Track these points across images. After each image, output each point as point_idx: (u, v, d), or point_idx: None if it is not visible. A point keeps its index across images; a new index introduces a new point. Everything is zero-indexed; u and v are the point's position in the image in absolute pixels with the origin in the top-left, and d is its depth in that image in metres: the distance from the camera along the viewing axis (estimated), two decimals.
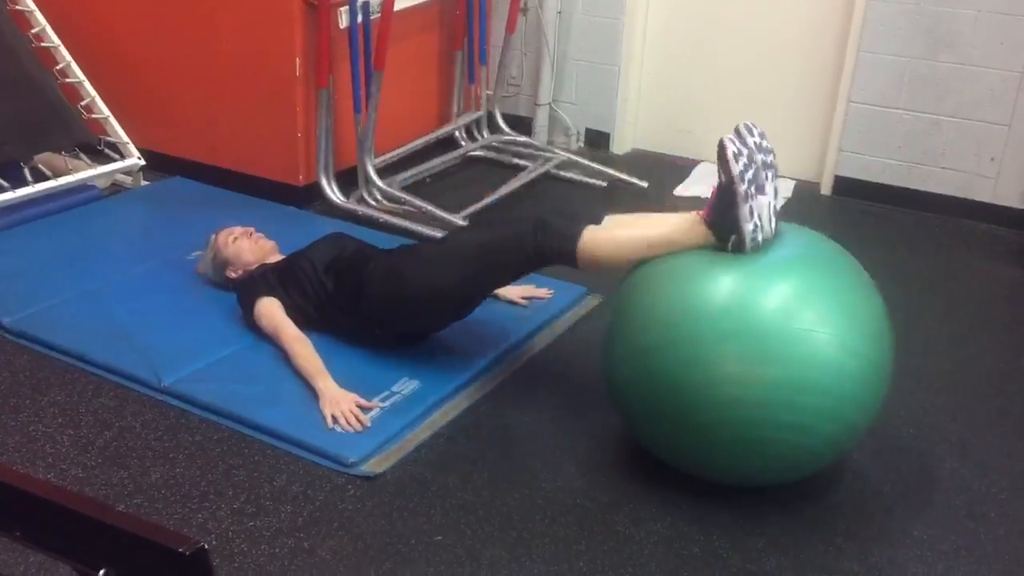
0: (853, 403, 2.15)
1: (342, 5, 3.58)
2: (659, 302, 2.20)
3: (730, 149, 2.13)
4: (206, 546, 1.02)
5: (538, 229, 2.43)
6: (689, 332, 2.13)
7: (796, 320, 2.10)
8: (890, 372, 2.26)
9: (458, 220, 3.56)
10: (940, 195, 3.99)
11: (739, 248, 2.16)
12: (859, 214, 4.03)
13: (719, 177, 2.18)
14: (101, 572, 1.04)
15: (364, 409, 2.49)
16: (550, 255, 2.44)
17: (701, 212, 2.24)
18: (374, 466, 2.33)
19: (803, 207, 4.10)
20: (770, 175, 2.21)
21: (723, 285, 2.15)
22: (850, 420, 2.16)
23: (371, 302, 2.68)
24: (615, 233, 2.41)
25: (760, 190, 2.16)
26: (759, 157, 2.19)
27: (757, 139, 2.21)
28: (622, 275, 2.41)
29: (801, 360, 2.08)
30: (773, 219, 2.20)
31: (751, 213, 2.13)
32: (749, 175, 2.13)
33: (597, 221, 2.44)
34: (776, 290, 2.15)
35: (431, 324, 2.76)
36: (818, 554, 2.13)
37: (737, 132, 2.21)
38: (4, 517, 1.13)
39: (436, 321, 2.74)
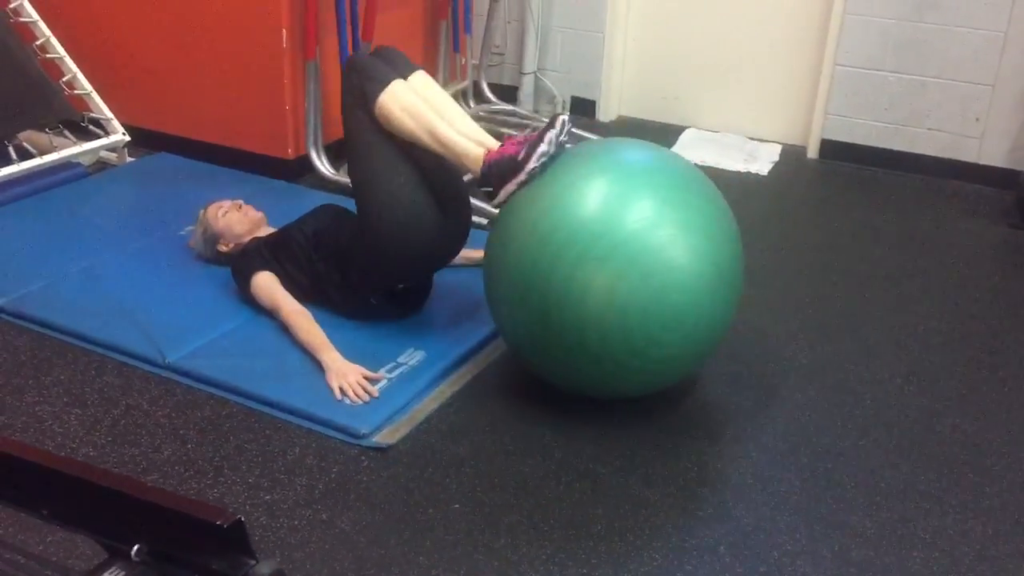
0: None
1: None
2: (528, 223, 2.31)
3: (541, 149, 2.33)
4: (243, 519, 1.01)
5: (352, 69, 2.57)
6: (554, 252, 2.24)
7: (651, 237, 2.23)
8: (741, 262, 2.39)
9: None
10: (926, 156, 4.03)
11: (488, 199, 2.44)
12: (846, 177, 4.06)
13: (520, 151, 2.35)
14: (135, 548, 1.03)
15: (371, 381, 2.49)
16: (364, 98, 2.51)
17: (492, 150, 2.42)
18: (386, 437, 2.34)
19: (790, 170, 4.13)
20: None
21: (586, 209, 2.26)
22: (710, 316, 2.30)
23: (358, 265, 2.67)
24: (414, 106, 2.50)
25: (531, 173, 2.36)
26: (553, 152, 2.37)
27: (565, 138, 2.40)
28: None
29: (659, 269, 2.22)
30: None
31: (516, 188, 2.37)
32: (537, 169, 2.34)
33: (406, 75, 2.58)
34: (632, 212, 2.24)
35: (416, 252, 2.61)
36: (829, 511, 2.16)
37: (561, 129, 2.37)
38: (30, 496, 1.12)
39: (417, 244, 2.59)
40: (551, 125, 2.38)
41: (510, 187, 2.38)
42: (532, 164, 2.35)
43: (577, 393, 2.45)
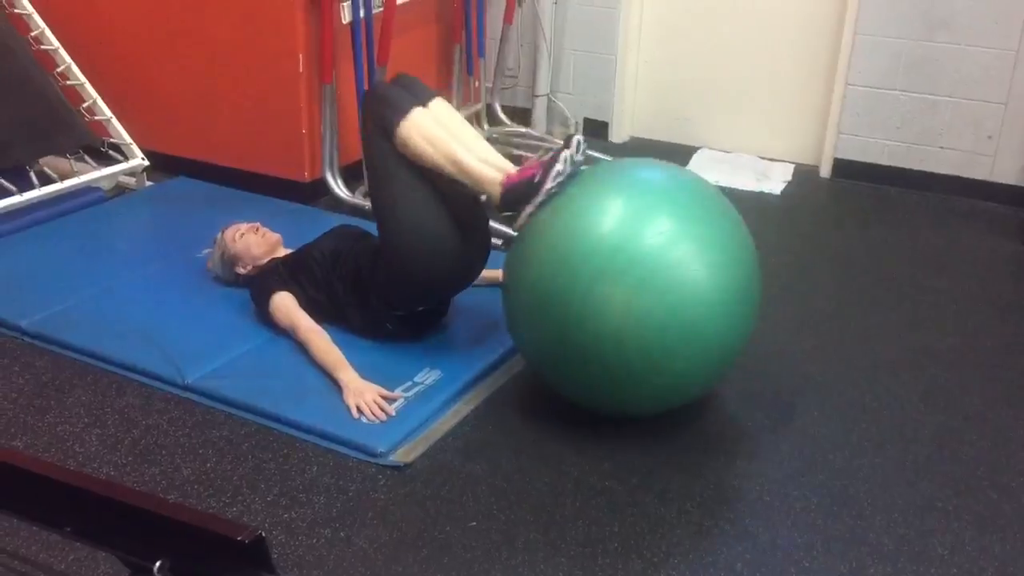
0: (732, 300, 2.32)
1: (345, 0, 3.59)
2: (547, 241, 2.35)
3: (556, 168, 2.37)
4: (264, 534, 1.01)
5: (371, 98, 2.63)
6: (572, 269, 2.28)
7: (669, 253, 2.26)
8: (759, 278, 2.42)
9: None
10: (939, 174, 4.04)
11: (507, 224, 2.45)
12: (859, 195, 4.07)
13: (536, 173, 2.39)
14: (157, 564, 1.04)
15: (388, 400, 2.51)
16: (385, 126, 2.54)
17: (510, 174, 2.45)
18: (403, 455, 2.35)
19: (803, 190, 4.14)
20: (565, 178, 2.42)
21: (604, 226, 2.29)
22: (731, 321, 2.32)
23: (378, 289, 2.70)
24: (434, 133, 2.53)
25: (549, 193, 2.39)
26: (570, 171, 2.40)
27: (580, 157, 2.43)
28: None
29: (677, 284, 2.25)
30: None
31: (535, 209, 2.40)
32: (555, 189, 2.38)
33: (425, 102, 2.60)
34: (650, 228, 2.27)
35: (438, 276, 2.66)
36: (846, 528, 2.16)
37: (576, 148, 2.40)
38: (53, 513, 1.14)
39: (440, 268, 2.64)
40: (566, 145, 2.42)
41: (529, 209, 2.41)
42: (548, 184, 2.38)
43: (595, 410, 2.46)
